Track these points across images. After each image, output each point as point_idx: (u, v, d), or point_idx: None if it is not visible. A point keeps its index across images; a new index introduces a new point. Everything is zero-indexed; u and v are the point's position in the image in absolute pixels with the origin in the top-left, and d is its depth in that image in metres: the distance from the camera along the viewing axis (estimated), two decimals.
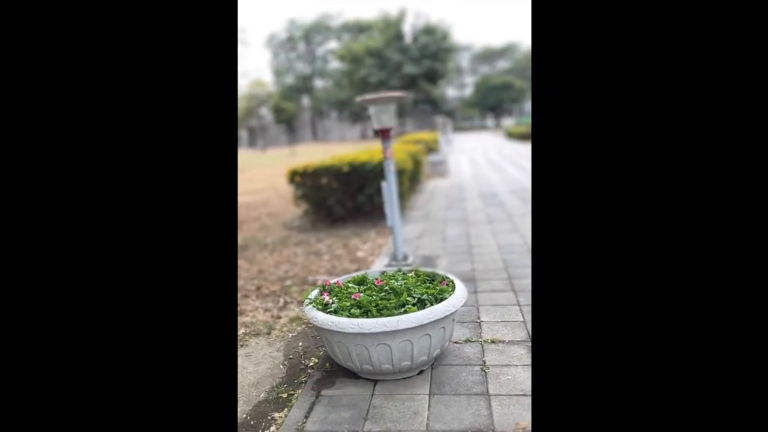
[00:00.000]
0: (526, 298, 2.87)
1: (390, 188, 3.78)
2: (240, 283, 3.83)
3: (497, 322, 2.58)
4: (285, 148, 35.14)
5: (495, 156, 15.12)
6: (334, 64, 47.07)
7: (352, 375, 2.14)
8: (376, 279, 2.32)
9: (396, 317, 1.91)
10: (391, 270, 2.53)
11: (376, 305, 2.06)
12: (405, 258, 3.86)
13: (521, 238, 4.32)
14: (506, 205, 6.14)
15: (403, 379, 2.06)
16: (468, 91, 62.49)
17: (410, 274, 2.41)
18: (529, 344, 2.28)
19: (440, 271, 2.43)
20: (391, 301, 2.07)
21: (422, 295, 2.11)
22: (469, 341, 2.38)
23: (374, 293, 2.18)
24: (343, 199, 5.70)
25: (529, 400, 1.83)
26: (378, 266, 3.90)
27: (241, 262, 4.46)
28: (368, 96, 3.60)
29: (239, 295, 3.54)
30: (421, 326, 1.93)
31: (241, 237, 5.67)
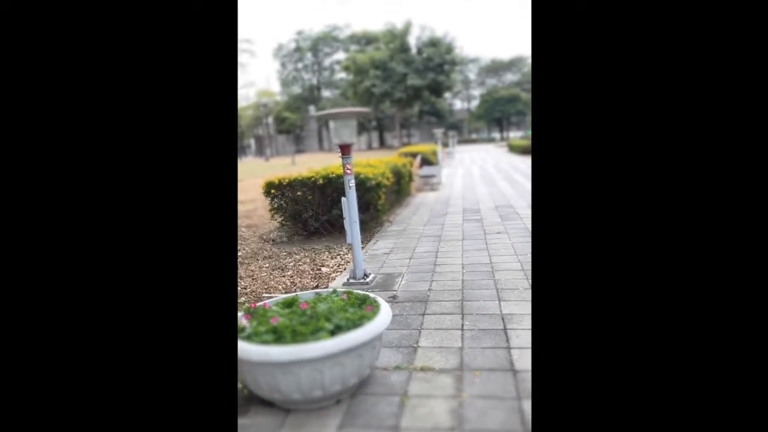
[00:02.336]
0: (472, 322, 2.78)
1: (349, 205, 3.72)
2: None
3: (434, 347, 2.49)
4: (290, 157, 35.33)
5: (491, 169, 15.05)
6: (341, 75, 47.42)
7: (268, 403, 2.06)
8: (302, 302, 2.25)
9: (302, 346, 1.83)
10: (325, 292, 2.46)
11: (293, 330, 1.98)
12: (365, 276, 3.78)
13: (488, 258, 4.22)
14: (485, 221, 6.05)
15: (318, 409, 1.98)
16: (475, 104, 62.59)
17: (342, 297, 2.34)
18: (458, 373, 2.20)
19: (372, 294, 2.35)
20: (307, 327, 1.99)
21: (341, 321, 2.03)
22: (399, 368, 2.29)
23: (296, 317, 2.10)
24: (317, 212, 5.64)
25: None
26: (338, 283, 3.83)
27: None
28: (327, 111, 3.56)
29: None
30: (332, 355, 1.85)
31: None
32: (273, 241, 5.86)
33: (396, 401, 2.00)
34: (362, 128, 50.90)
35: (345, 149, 3.69)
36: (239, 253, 5.31)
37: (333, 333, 1.96)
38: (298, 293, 2.46)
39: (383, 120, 48.69)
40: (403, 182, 8.05)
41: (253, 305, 2.28)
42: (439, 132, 18.58)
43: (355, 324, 2.02)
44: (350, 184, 3.70)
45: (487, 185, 10.41)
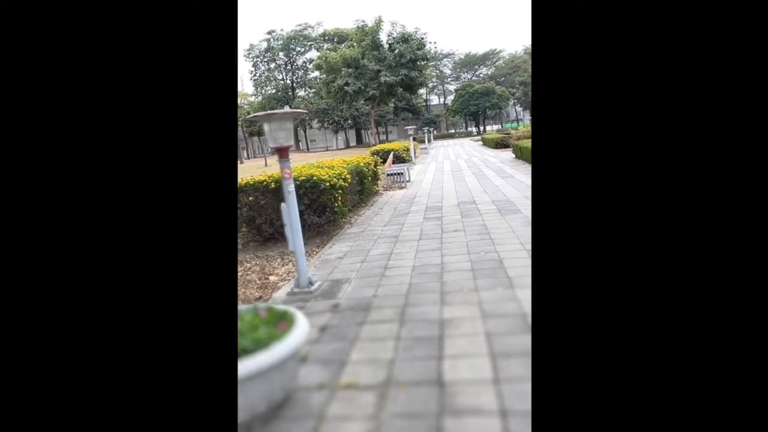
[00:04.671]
0: (409, 331, 2.65)
1: (290, 211, 3.56)
2: None
3: (364, 361, 2.36)
4: (264, 159, 34.85)
5: (463, 164, 15.02)
6: (315, 74, 46.94)
7: None
8: None
9: None
10: (246, 308, 2.30)
11: None
12: (310, 284, 3.63)
13: (440, 258, 4.11)
14: (446, 219, 5.95)
15: None
16: (452, 99, 62.78)
17: (260, 314, 2.18)
18: (383, 389, 2.06)
19: (293, 310, 2.20)
20: None
21: (248, 344, 1.88)
22: (323, 387, 2.15)
23: None
24: (272, 217, 5.45)
25: None
26: (283, 292, 3.67)
27: None
28: (261, 113, 3.39)
29: None
30: None
31: None
32: None
33: (310, 426, 1.85)
34: (338, 126, 50.50)
35: (283, 152, 3.52)
36: None
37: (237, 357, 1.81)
38: None
39: (359, 118, 48.37)
40: (366, 182, 7.90)
41: None
42: (411, 128, 18.48)
43: (262, 346, 1.87)
44: (289, 189, 3.55)
45: (455, 181, 10.34)
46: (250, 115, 3.44)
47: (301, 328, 2.00)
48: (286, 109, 3.47)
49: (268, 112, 3.33)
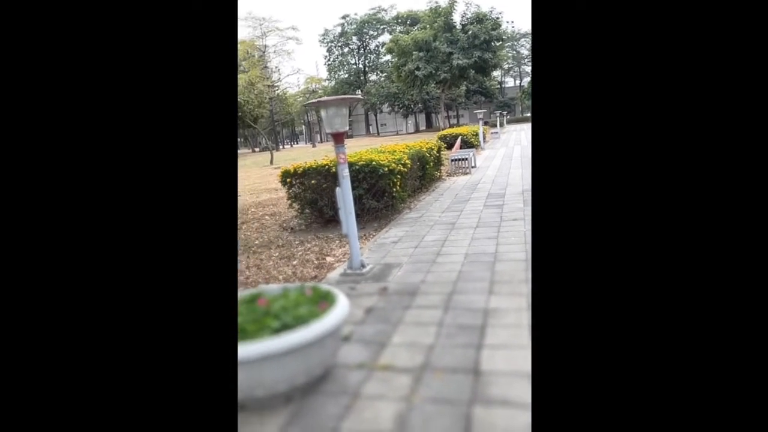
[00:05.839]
0: (453, 318, 2.65)
1: (344, 195, 3.65)
2: None
3: (404, 344, 2.40)
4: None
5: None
6: (386, 58, 46.93)
7: None
8: (259, 298, 2.23)
9: (239, 347, 1.80)
10: (293, 287, 2.43)
11: (241, 329, 1.96)
12: (362, 267, 3.73)
13: (495, 247, 4.03)
14: (507, 207, 5.78)
15: (268, 408, 1.96)
16: (528, 81, 59.96)
17: (306, 293, 2.29)
18: (419, 373, 2.10)
19: (336, 291, 2.29)
20: (254, 325, 1.97)
21: (290, 319, 1.99)
22: (361, 366, 2.22)
23: (250, 314, 2.08)
24: (333, 200, 5.61)
25: None
26: (337, 273, 3.80)
27: None
28: (315, 99, 3.49)
29: None
30: (271, 355, 1.82)
31: None
32: (292, 229, 5.92)
33: (344, 402, 1.94)
34: (408, 111, 50.27)
35: (338, 138, 3.61)
36: (256, 242, 5.41)
37: (278, 332, 1.93)
38: (262, 287, 2.44)
39: (429, 102, 47.77)
40: (428, 167, 7.86)
41: None
42: (481, 113, 17.99)
43: (302, 323, 1.97)
44: (344, 174, 3.63)
45: (522, 168, 9.97)
46: (307, 102, 3.56)
47: (341, 309, 2.08)
48: (342, 96, 3.54)
49: (324, 98, 3.42)
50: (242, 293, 2.40)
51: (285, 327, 1.96)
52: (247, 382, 1.84)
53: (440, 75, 33.14)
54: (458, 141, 13.82)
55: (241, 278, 4.06)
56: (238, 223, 6.75)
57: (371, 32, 53.64)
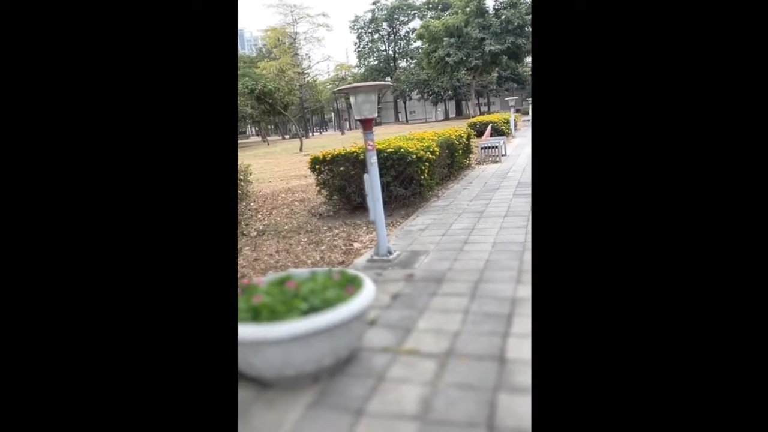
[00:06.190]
0: (479, 305, 2.65)
1: (372, 182, 3.67)
2: None
3: (430, 330, 2.42)
4: None
5: None
6: (417, 44, 46.40)
7: (250, 378, 2.14)
8: (288, 281, 2.28)
9: (269, 327, 1.86)
10: (321, 271, 2.47)
11: (271, 310, 2.02)
12: (388, 253, 3.75)
13: (524, 236, 3.98)
14: None
15: (296, 387, 2.02)
16: None
17: (333, 277, 2.34)
18: (444, 359, 2.12)
19: (362, 276, 2.32)
20: (284, 306, 2.02)
21: (317, 302, 2.03)
22: (387, 350, 2.26)
23: (280, 296, 2.14)
24: (361, 186, 5.64)
25: (396, 423, 1.70)
26: (364, 259, 3.84)
27: (247, 250, 4.64)
28: (345, 86, 3.50)
29: None
30: (300, 336, 1.87)
31: (264, 223, 5.89)
32: (320, 215, 6.00)
33: (370, 384, 1.98)
34: (438, 98, 49.71)
35: (367, 124, 3.62)
36: (285, 227, 5.51)
37: (307, 313, 1.97)
38: (291, 271, 2.50)
39: (460, 89, 47.08)
40: (457, 155, 7.78)
41: (246, 281, 2.35)
42: (512, 99, 17.61)
43: (330, 305, 2.01)
44: (372, 161, 3.65)
45: None
46: (337, 89, 3.57)
47: (367, 293, 2.11)
48: (370, 82, 3.54)
49: (353, 84, 3.42)
50: (272, 276, 2.47)
51: (313, 309, 2.00)
52: (278, 362, 1.90)
53: (471, 61, 32.60)
54: (488, 128, 13.60)
55: (270, 261, 4.15)
56: (269, 208, 6.87)
57: (402, 18, 53.07)
